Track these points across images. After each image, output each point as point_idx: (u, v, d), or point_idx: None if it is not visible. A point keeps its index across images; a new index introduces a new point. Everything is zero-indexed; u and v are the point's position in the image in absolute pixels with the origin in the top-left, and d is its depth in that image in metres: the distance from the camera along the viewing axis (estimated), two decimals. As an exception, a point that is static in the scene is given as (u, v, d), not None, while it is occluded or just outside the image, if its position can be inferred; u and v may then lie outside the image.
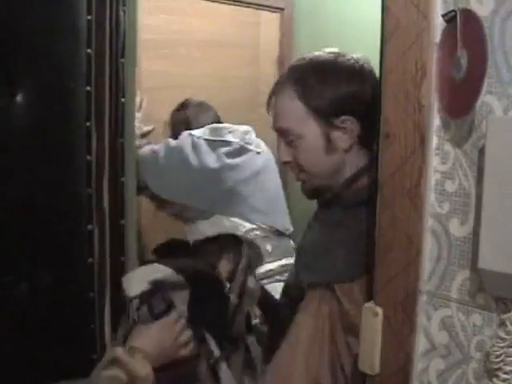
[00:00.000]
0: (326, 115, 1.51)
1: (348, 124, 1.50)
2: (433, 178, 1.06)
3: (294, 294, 1.58)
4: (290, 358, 1.47)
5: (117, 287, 1.86)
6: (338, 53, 1.56)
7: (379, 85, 1.41)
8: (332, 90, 1.51)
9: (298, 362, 1.44)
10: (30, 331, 1.77)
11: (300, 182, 1.62)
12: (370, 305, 1.13)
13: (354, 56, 1.56)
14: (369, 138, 1.51)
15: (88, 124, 1.76)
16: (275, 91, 1.59)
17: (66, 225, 1.78)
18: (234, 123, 2.78)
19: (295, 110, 1.53)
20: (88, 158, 1.76)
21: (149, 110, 2.63)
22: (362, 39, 2.94)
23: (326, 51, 1.57)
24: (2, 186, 1.71)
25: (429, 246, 1.07)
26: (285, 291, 1.74)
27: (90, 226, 1.79)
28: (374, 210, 1.25)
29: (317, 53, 1.58)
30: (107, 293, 1.85)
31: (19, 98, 1.69)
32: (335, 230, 1.54)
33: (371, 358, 1.13)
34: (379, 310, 1.12)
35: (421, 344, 1.10)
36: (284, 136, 1.57)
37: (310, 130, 1.52)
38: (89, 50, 1.76)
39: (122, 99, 1.82)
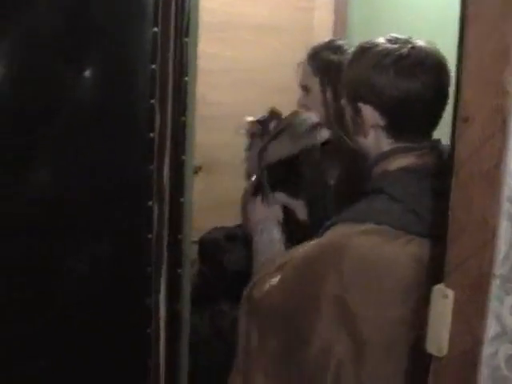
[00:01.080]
0: (350, 100, 1.57)
1: (362, 111, 1.53)
2: (511, 161, 1.06)
3: None
4: None
5: (173, 264, 1.89)
6: (390, 40, 1.53)
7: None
8: (351, 76, 1.57)
9: None
10: (85, 304, 1.80)
11: None
12: (440, 286, 1.13)
13: (416, 44, 1.51)
14: (397, 129, 1.53)
15: (152, 101, 1.78)
16: None
17: (126, 200, 1.81)
18: (285, 108, 2.77)
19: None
20: (151, 135, 1.78)
21: (203, 92, 2.64)
22: (417, 24, 2.92)
23: (387, 37, 1.55)
24: (65, 160, 1.74)
25: (504, 229, 1.07)
26: None
27: (149, 203, 1.81)
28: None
29: (376, 38, 1.57)
30: (164, 269, 1.87)
31: (86, 73, 1.72)
32: None
33: (439, 339, 1.13)
34: (450, 292, 1.12)
35: (491, 328, 1.09)
36: None
37: (347, 110, 1.60)
38: (155, 29, 1.77)
39: (186, 78, 1.83)
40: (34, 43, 1.65)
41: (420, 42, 1.53)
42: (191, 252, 2.07)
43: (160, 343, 1.90)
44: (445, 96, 1.53)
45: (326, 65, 2.38)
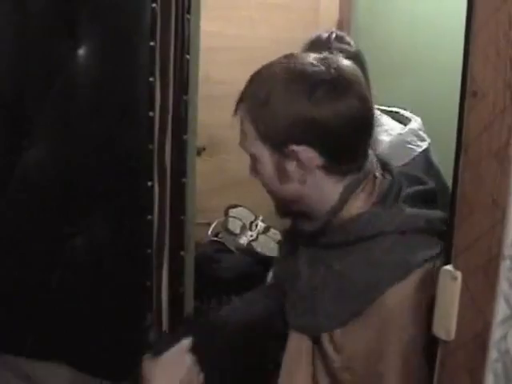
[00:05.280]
0: (274, 143, 1.31)
1: (301, 154, 1.29)
2: (523, 139, 1.02)
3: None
4: None
5: (176, 246, 1.86)
6: (311, 63, 1.30)
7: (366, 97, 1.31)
8: (279, 115, 1.28)
9: None
10: (84, 285, 1.78)
11: None
12: (448, 268, 1.10)
13: (338, 64, 1.31)
14: (342, 164, 1.33)
15: (151, 79, 1.74)
16: (239, 101, 1.37)
17: (126, 180, 1.78)
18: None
19: (249, 132, 1.33)
20: (150, 113, 1.75)
21: (207, 70, 2.60)
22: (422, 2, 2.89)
23: (299, 60, 1.32)
24: (62, 139, 1.71)
25: (514, 209, 1.03)
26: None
27: (150, 183, 1.78)
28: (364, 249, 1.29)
29: (285, 61, 1.33)
30: (166, 251, 1.85)
31: (82, 51, 1.68)
32: (320, 270, 1.40)
33: (447, 323, 1.10)
34: (458, 274, 1.08)
35: (500, 311, 1.06)
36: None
37: (263, 156, 1.33)
38: (154, 5, 1.73)
39: (187, 56, 1.80)
40: (29, 18, 1.61)
41: (339, 60, 1.33)
42: (195, 234, 2.04)
43: (162, 327, 1.87)
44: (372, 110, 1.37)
45: None
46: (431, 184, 1.45)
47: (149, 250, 1.81)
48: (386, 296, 1.26)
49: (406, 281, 1.25)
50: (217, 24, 2.70)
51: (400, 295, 1.26)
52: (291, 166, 1.31)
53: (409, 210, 1.33)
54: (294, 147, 1.28)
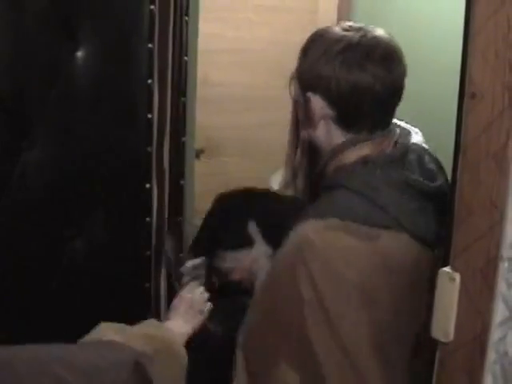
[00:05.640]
0: (301, 88, 1.47)
1: (313, 102, 1.44)
2: (521, 141, 1.02)
3: None
4: None
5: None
6: (344, 27, 1.44)
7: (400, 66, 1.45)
8: (301, 64, 1.47)
9: None
10: (83, 287, 1.78)
11: None
12: (446, 270, 1.10)
13: (368, 33, 1.41)
14: (347, 121, 1.46)
15: (149, 81, 1.74)
16: None
17: (124, 182, 1.78)
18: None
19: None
20: (149, 116, 1.75)
21: (205, 72, 2.61)
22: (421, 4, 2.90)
23: (342, 24, 1.46)
24: (61, 142, 1.71)
25: (512, 210, 1.03)
26: None
27: (148, 185, 1.78)
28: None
29: (333, 25, 1.48)
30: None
31: (80, 53, 1.68)
32: None
33: (446, 324, 1.10)
34: (456, 276, 1.08)
35: (499, 312, 1.06)
36: None
37: (297, 96, 1.51)
38: (152, 7, 1.73)
39: (185, 58, 1.80)
40: (29, 21, 1.62)
41: (374, 30, 1.43)
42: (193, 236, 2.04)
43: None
44: (398, 88, 1.47)
45: None
46: (439, 183, 1.46)
47: (147, 252, 1.81)
48: (301, 225, 1.41)
49: (320, 220, 1.39)
50: (215, 26, 2.71)
51: (308, 227, 1.40)
52: (308, 112, 1.46)
53: (379, 183, 1.41)
54: (311, 95, 1.44)
